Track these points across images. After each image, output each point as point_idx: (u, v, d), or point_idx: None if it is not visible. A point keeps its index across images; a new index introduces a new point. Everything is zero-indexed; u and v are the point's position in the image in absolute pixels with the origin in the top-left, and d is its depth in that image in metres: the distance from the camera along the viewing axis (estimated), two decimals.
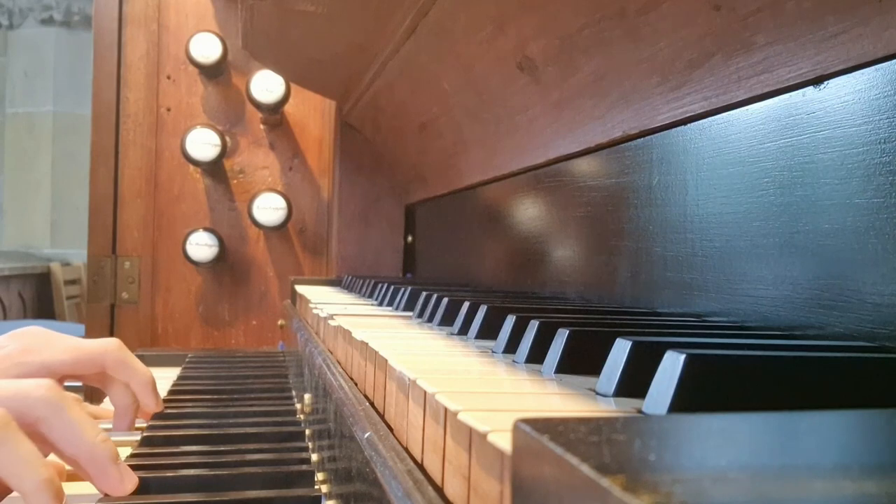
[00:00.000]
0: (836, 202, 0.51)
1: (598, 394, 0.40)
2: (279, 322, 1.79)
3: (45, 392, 0.63)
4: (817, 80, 0.53)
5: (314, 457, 0.77)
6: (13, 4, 4.42)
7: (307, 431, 0.86)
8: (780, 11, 0.54)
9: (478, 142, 1.21)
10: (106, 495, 0.65)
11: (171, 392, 1.03)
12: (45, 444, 0.63)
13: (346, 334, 0.70)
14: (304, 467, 0.74)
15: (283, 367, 1.28)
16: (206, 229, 1.81)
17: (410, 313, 0.88)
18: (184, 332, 1.87)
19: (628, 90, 0.76)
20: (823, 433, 0.26)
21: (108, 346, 0.83)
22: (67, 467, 0.68)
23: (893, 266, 0.46)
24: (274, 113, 1.83)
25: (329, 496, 0.67)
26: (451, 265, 1.46)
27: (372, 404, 0.57)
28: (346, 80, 1.56)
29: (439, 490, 0.38)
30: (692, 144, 0.68)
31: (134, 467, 0.69)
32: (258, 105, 1.78)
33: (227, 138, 1.84)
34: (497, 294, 1.03)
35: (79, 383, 0.90)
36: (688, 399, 0.33)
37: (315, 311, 0.99)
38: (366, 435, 0.49)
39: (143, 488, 0.66)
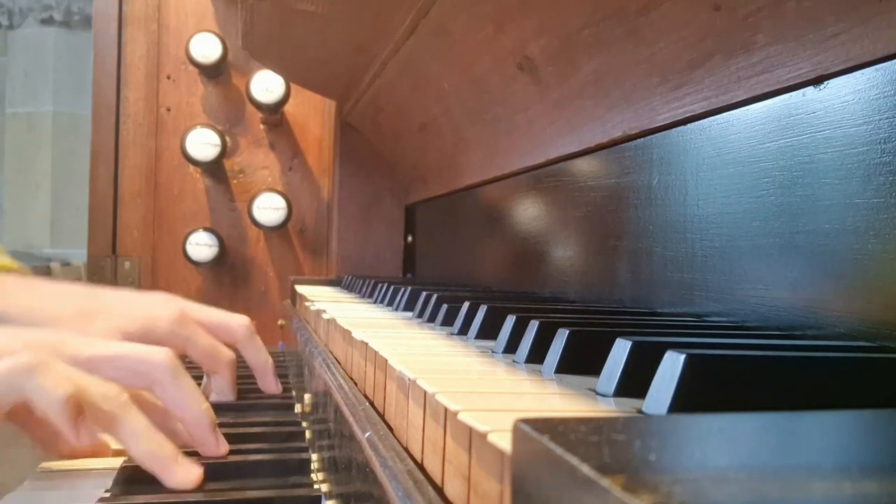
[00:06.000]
0: (836, 202, 0.51)
1: (598, 394, 0.40)
2: (279, 322, 1.79)
3: (165, 358, 0.69)
4: (817, 80, 0.53)
5: (314, 457, 0.77)
6: (13, 4, 4.42)
7: (307, 432, 0.86)
8: (780, 11, 0.54)
9: (478, 142, 1.21)
10: (108, 494, 0.65)
11: None
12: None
13: (346, 334, 0.70)
14: (304, 467, 0.74)
15: (283, 367, 1.28)
16: (206, 229, 1.81)
17: (410, 313, 0.88)
18: None
19: (628, 90, 0.76)
20: (823, 433, 0.26)
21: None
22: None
23: (893, 266, 0.46)
24: (274, 113, 1.83)
25: (329, 496, 0.67)
26: (451, 265, 1.46)
27: (372, 404, 0.57)
28: (346, 80, 1.56)
29: (439, 490, 0.38)
30: (692, 144, 0.68)
31: (133, 467, 0.69)
32: (258, 105, 1.78)
33: (227, 138, 1.84)
34: (497, 294, 1.03)
35: None
36: (688, 399, 0.33)
37: (315, 311, 0.99)
38: (366, 435, 0.49)
39: (142, 487, 0.66)
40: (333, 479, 0.66)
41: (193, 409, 0.70)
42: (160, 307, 0.87)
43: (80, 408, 0.62)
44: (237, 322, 0.95)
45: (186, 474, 0.66)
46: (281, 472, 0.73)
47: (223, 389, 0.92)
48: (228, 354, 0.91)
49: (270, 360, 0.99)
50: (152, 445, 0.65)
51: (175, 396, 0.70)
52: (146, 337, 0.85)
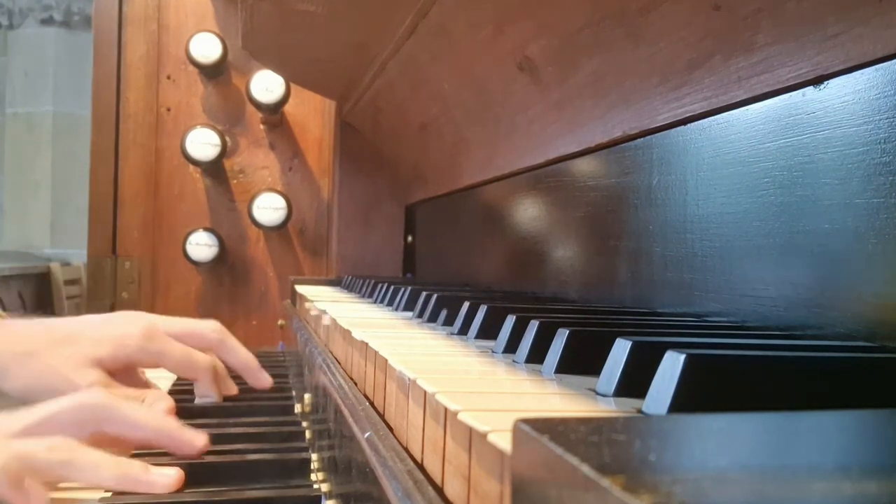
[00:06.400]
0: (836, 202, 0.51)
1: (598, 394, 0.40)
2: (279, 322, 1.79)
3: (97, 399, 0.70)
4: (817, 80, 0.53)
5: (314, 457, 0.77)
6: (13, 4, 4.42)
7: (307, 432, 0.86)
8: (780, 11, 0.54)
9: (478, 142, 1.21)
10: (111, 493, 0.65)
11: (171, 392, 1.03)
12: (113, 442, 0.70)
13: (346, 334, 0.70)
14: (304, 467, 0.74)
15: (283, 367, 1.28)
16: (206, 229, 1.81)
17: (410, 313, 0.88)
18: None
19: (628, 90, 0.76)
20: (823, 433, 0.26)
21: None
22: None
23: (893, 266, 0.46)
24: (274, 113, 1.83)
25: (329, 496, 0.67)
26: (451, 265, 1.46)
27: (372, 404, 0.57)
28: (346, 80, 1.56)
29: (439, 490, 0.38)
30: (692, 144, 0.68)
31: None
32: (258, 105, 1.78)
33: (227, 138, 1.84)
34: (497, 294, 1.03)
35: None
36: (688, 399, 0.33)
37: (315, 311, 0.99)
38: (366, 435, 0.49)
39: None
40: (333, 479, 0.66)
41: (149, 426, 0.71)
42: (127, 326, 0.87)
43: (19, 476, 0.61)
44: (208, 328, 0.95)
45: (164, 479, 0.67)
46: (281, 472, 0.73)
47: (206, 394, 0.93)
48: (204, 359, 0.91)
49: (251, 355, 0.98)
50: (117, 469, 0.65)
51: (125, 425, 0.70)
52: (117, 358, 0.85)
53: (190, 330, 0.93)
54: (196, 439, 0.72)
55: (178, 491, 0.66)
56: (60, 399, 0.71)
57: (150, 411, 0.73)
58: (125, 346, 0.85)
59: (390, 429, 0.50)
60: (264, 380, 0.99)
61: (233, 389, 0.96)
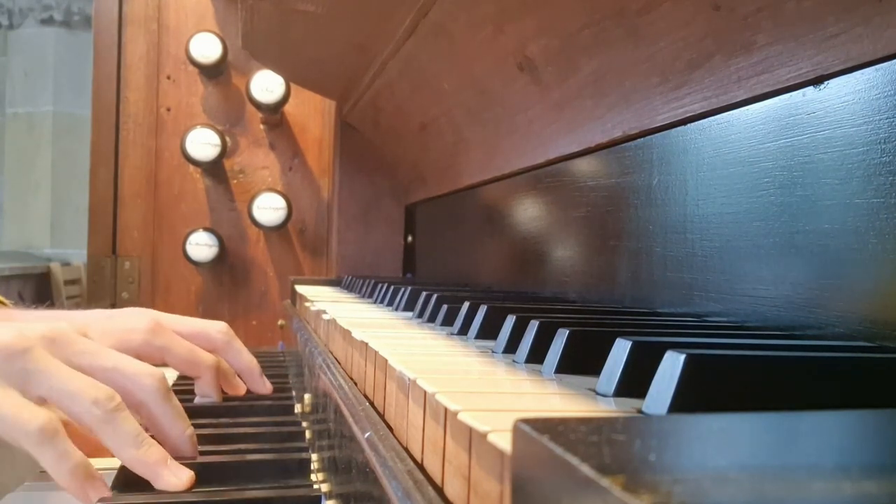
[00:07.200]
0: (836, 202, 0.51)
1: (598, 394, 0.40)
2: (279, 322, 1.79)
3: (156, 381, 0.70)
4: (817, 80, 0.53)
5: (314, 457, 0.77)
6: (13, 4, 4.42)
7: (307, 432, 0.86)
8: (780, 11, 0.54)
9: (478, 142, 1.21)
10: (108, 494, 0.65)
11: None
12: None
13: (346, 334, 0.70)
14: (304, 467, 0.74)
15: (283, 367, 1.28)
16: (206, 229, 1.81)
17: (410, 313, 0.88)
18: None
19: (628, 90, 0.76)
20: (823, 433, 0.26)
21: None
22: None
23: (893, 266, 0.46)
24: (274, 113, 1.83)
25: (329, 496, 0.67)
26: (451, 265, 1.46)
27: (372, 404, 0.57)
28: (346, 80, 1.56)
29: (439, 490, 0.38)
30: (692, 144, 0.68)
31: None
32: (258, 105, 1.78)
33: (227, 138, 1.84)
34: (497, 294, 1.03)
35: None
36: (688, 399, 0.33)
37: (315, 312, 0.99)
38: (366, 435, 0.49)
39: (143, 486, 0.66)
40: (333, 479, 0.66)
41: (176, 433, 0.71)
42: (133, 320, 0.87)
43: (55, 435, 0.61)
44: (215, 329, 0.95)
45: (176, 479, 0.66)
46: (281, 472, 0.73)
47: (207, 392, 0.93)
48: (209, 358, 0.91)
49: (254, 360, 0.98)
50: (141, 451, 0.65)
51: (161, 420, 0.70)
52: (121, 352, 0.85)
53: (197, 329, 0.93)
54: (185, 479, 0.69)
55: (178, 490, 0.66)
56: (127, 359, 0.71)
57: (187, 422, 0.73)
58: (130, 340, 0.85)
59: (390, 429, 0.50)
60: (264, 386, 0.99)
61: (240, 389, 0.96)
